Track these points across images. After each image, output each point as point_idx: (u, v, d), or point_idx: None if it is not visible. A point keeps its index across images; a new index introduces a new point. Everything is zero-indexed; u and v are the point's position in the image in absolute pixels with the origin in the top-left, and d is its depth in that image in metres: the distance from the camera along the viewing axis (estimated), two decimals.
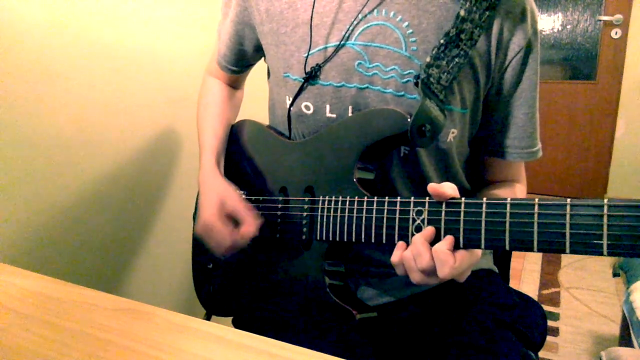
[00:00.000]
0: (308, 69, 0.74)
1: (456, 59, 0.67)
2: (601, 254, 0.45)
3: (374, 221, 0.63)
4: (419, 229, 0.59)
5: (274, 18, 0.78)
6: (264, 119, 0.90)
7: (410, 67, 0.70)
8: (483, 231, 0.54)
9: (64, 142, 0.93)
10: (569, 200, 0.48)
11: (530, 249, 0.50)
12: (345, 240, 0.67)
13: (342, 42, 0.72)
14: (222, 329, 0.52)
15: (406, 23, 0.70)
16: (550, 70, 3.46)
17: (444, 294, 0.77)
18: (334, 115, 0.74)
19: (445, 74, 0.67)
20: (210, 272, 0.91)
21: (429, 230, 0.58)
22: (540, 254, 2.67)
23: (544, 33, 3.41)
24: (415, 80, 0.68)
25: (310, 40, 0.74)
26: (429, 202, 0.58)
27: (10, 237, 0.86)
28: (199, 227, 0.79)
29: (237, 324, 0.89)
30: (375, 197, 0.64)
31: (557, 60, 3.44)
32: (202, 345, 0.49)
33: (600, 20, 3.25)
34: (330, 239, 0.69)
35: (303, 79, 0.74)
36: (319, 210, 0.70)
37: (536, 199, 0.50)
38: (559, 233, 0.48)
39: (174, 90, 1.20)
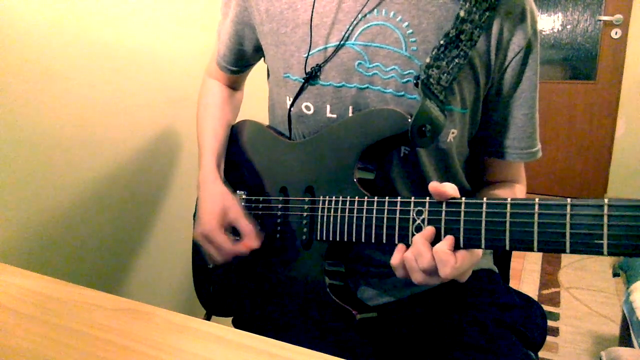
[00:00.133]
0: (308, 69, 0.74)
1: (456, 60, 0.67)
2: (601, 253, 0.45)
3: (374, 221, 0.63)
4: (419, 229, 0.59)
5: (274, 18, 0.78)
6: (264, 119, 0.90)
7: (410, 67, 0.70)
8: (483, 231, 0.54)
9: (64, 142, 0.93)
10: (569, 200, 0.48)
11: (530, 249, 0.50)
12: (346, 240, 0.67)
13: (342, 42, 0.72)
14: (222, 329, 0.52)
15: (406, 23, 0.70)
16: (550, 70, 3.46)
17: (444, 294, 0.77)
18: (335, 116, 0.74)
19: (445, 74, 0.67)
20: (210, 273, 0.91)
21: (429, 230, 0.58)
22: (540, 254, 2.67)
23: (544, 33, 3.41)
24: (415, 81, 0.68)
25: (310, 41, 0.74)
26: (429, 202, 0.58)
27: (10, 237, 0.86)
28: (197, 235, 0.79)
29: (237, 324, 0.89)
30: (376, 197, 0.64)
31: (557, 60, 3.44)
32: (202, 345, 0.49)
33: (600, 20, 3.25)
34: (331, 239, 0.69)
35: (303, 79, 0.74)
36: (319, 211, 0.71)
37: (536, 199, 0.50)
38: (559, 233, 0.48)
39: (174, 90, 1.20)
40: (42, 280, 0.63)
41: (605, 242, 0.45)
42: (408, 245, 0.60)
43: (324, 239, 0.70)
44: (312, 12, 0.74)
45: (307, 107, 0.76)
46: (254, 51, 0.89)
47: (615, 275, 1.55)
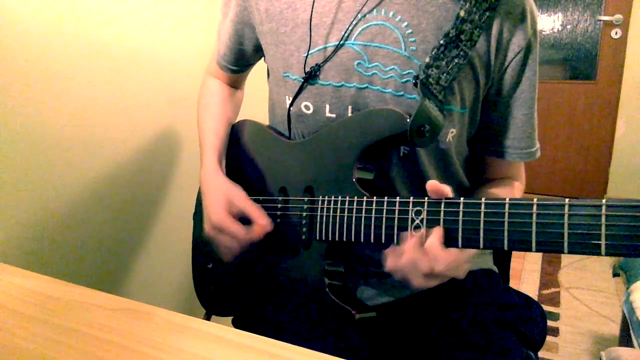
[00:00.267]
0: (308, 69, 0.74)
1: (456, 60, 0.67)
2: (599, 254, 0.45)
3: (373, 221, 0.63)
4: (417, 228, 0.59)
5: (273, 18, 0.78)
6: (264, 119, 0.90)
7: (410, 67, 0.70)
8: (482, 231, 0.54)
9: (64, 142, 0.93)
10: (567, 200, 0.48)
11: (529, 249, 0.50)
12: (345, 240, 0.67)
13: (342, 42, 0.72)
14: (222, 329, 0.52)
15: (405, 23, 0.70)
16: (550, 70, 3.46)
17: (444, 294, 0.77)
18: (334, 115, 0.74)
19: (445, 74, 0.67)
20: (210, 272, 0.91)
21: (417, 237, 0.58)
22: (540, 254, 2.67)
23: (544, 33, 3.41)
24: (414, 81, 0.68)
25: (310, 40, 0.74)
26: (427, 202, 0.58)
27: (10, 237, 0.86)
28: (208, 229, 0.78)
29: (237, 324, 0.89)
30: (375, 197, 0.64)
31: (557, 60, 3.43)
32: (202, 345, 0.49)
33: (600, 20, 3.25)
34: (330, 239, 0.69)
35: (303, 78, 0.74)
36: (319, 210, 0.71)
37: (535, 199, 0.50)
38: (558, 233, 0.48)
39: (174, 90, 1.20)
40: (42, 280, 0.63)
41: (603, 242, 0.45)
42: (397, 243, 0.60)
43: (324, 238, 0.70)
44: (312, 11, 0.74)
45: (307, 107, 0.76)
46: (254, 51, 0.89)
47: (615, 275, 1.55)
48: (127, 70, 1.06)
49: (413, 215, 0.59)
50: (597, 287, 2.30)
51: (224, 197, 0.77)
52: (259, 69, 0.98)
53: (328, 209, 0.69)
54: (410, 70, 0.70)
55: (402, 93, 0.70)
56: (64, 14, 0.91)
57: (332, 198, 0.69)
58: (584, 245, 0.46)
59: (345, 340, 0.73)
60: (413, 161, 0.74)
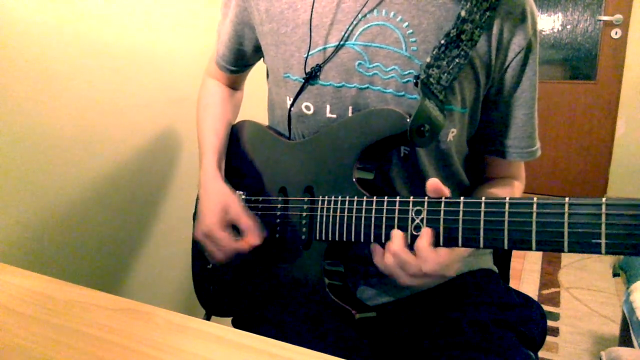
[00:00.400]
0: (308, 69, 0.74)
1: (456, 60, 0.67)
2: (599, 252, 0.45)
3: (373, 221, 0.63)
4: (417, 228, 0.59)
5: (273, 18, 0.78)
6: (263, 119, 0.90)
7: (411, 67, 0.70)
8: (482, 230, 0.54)
9: (64, 142, 0.93)
10: (567, 199, 0.48)
11: (529, 248, 0.50)
12: (345, 240, 0.67)
13: (342, 43, 0.72)
14: (222, 329, 0.52)
15: (406, 23, 0.70)
16: (550, 70, 3.46)
17: (444, 294, 0.77)
18: (334, 116, 0.74)
19: (446, 74, 0.67)
20: (210, 273, 0.91)
21: (401, 239, 0.59)
22: (540, 254, 2.67)
23: (544, 33, 3.41)
24: (415, 81, 0.68)
25: (310, 41, 0.74)
26: (427, 201, 0.58)
27: (10, 237, 0.86)
28: (199, 234, 0.79)
29: (237, 324, 0.89)
30: (375, 197, 0.64)
31: (557, 60, 3.44)
32: (202, 345, 0.49)
33: (600, 20, 3.25)
34: (330, 238, 0.69)
35: (303, 79, 0.74)
36: (319, 210, 0.71)
37: (535, 198, 0.50)
38: (558, 232, 0.48)
39: (174, 90, 1.20)
40: (42, 280, 0.63)
41: (603, 241, 0.45)
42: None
43: (324, 238, 0.70)
44: (312, 12, 0.74)
45: (307, 107, 0.76)
46: (254, 51, 0.89)
47: (615, 275, 1.55)
48: (127, 70, 1.06)
49: (413, 214, 0.59)
50: (597, 287, 2.30)
51: (220, 204, 0.77)
52: (259, 69, 0.98)
53: (328, 209, 0.69)
54: (411, 71, 0.70)
55: (403, 93, 0.70)
56: (64, 14, 0.91)
57: (332, 198, 0.69)
58: (584, 244, 0.46)
59: (345, 340, 0.73)
60: (413, 161, 0.74)
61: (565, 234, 0.48)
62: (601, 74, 3.31)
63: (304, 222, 0.73)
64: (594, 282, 2.36)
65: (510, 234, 0.51)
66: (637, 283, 1.31)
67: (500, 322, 0.71)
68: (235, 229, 0.77)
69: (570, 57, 3.39)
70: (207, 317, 0.94)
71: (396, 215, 0.61)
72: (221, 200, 0.78)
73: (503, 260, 0.94)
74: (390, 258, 0.60)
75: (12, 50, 0.83)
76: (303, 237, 0.73)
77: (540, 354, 0.81)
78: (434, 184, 0.57)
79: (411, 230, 0.59)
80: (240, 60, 0.92)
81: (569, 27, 3.36)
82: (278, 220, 0.78)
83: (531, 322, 0.75)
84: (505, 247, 0.52)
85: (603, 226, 0.45)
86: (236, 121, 0.94)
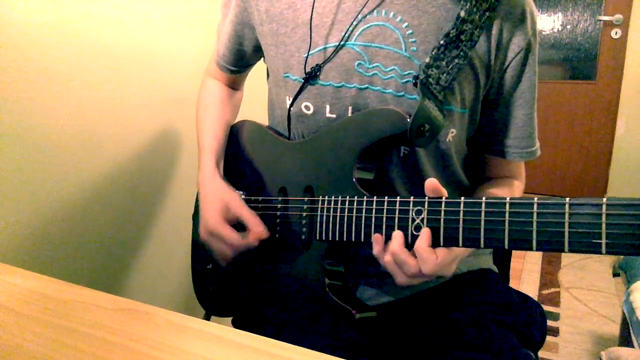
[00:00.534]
0: (308, 70, 0.74)
1: (456, 60, 0.67)
2: (600, 252, 0.45)
3: (373, 221, 0.63)
4: (418, 228, 0.59)
5: (273, 18, 0.78)
6: (263, 119, 0.90)
7: (410, 68, 0.70)
8: (482, 230, 0.54)
9: (64, 142, 0.93)
10: (567, 199, 0.48)
11: (530, 248, 0.50)
12: (345, 240, 0.67)
13: (342, 43, 0.72)
14: (222, 329, 0.52)
15: (406, 24, 0.70)
16: (550, 70, 3.46)
17: (444, 294, 0.77)
18: (334, 116, 0.74)
19: (445, 74, 0.67)
20: (210, 273, 0.91)
21: (400, 239, 0.59)
22: (540, 254, 2.67)
23: (544, 33, 3.41)
24: (414, 81, 0.68)
25: (310, 41, 0.74)
26: (428, 201, 0.58)
27: (10, 237, 0.86)
28: (203, 234, 0.78)
29: (237, 324, 0.89)
30: (375, 197, 0.64)
31: (557, 60, 3.44)
32: (202, 345, 0.49)
33: (600, 20, 3.25)
34: (330, 238, 0.69)
35: (303, 79, 0.74)
36: (319, 210, 0.71)
37: (535, 198, 0.50)
38: (558, 232, 0.48)
39: (174, 90, 1.20)
40: (42, 280, 0.63)
41: (603, 241, 0.45)
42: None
43: (324, 238, 0.70)
44: (312, 12, 0.74)
45: (307, 107, 0.76)
46: (254, 51, 0.89)
47: (615, 275, 1.56)
48: (127, 70, 1.06)
49: (414, 214, 0.59)
50: (597, 287, 2.30)
51: (221, 202, 0.77)
52: (259, 69, 0.98)
53: (328, 209, 0.69)
54: (411, 71, 0.70)
55: (402, 93, 0.70)
56: (64, 14, 0.91)
57: (332, 198, 0.69)
58: (585, 244, 0.47)
59: (345, 340, 0.73)
60: (413, 161, 0.74)
61: (566, 233, 0.48)
62: (601, 74, 3.31)
63: (304, 222, 0.73)
64: (594, 282, 2.36)
65: (511, 234, 0.52)
66: (637, 283, 1.31)
67: (500, 322, 0.71)
68: (239, 227, 0.77)
69: (570, 57, 3.39)
70: (207, 317, 0.94)
71: (396, 215, 0.61)
72: (222, 198, 0.78)
73: (503, 260, 0.94)
74: (390, 257, 0.60)
75: (12, 50, 0.83)
76: (303, 237, 0.73)
77: (540, 354, 0.81)
78: (432, 183, 0.58)
79: (412, 230, 0.60)
80: (240, 60, 0.92)
81: (569, 27, 3.36)
82: (278, 221, 0.78)
83: (531, 322, 0.75)
84: (506, 247, 0.52)
85: (603, 226, 0.45)
86: (236, 121, 0.94)
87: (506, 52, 0.72)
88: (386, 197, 0.62)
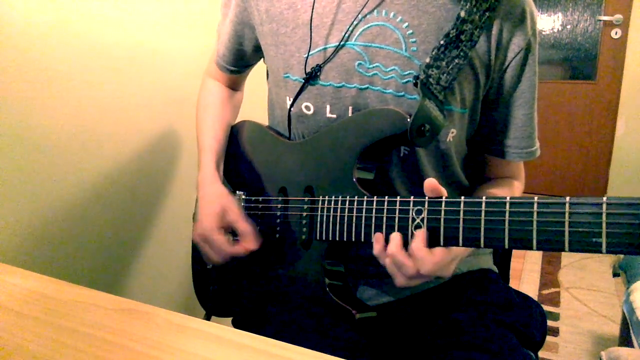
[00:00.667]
0: (308, 70, 0.74)
1: (456, 60, 0.67)
2: (600, 252, 0.45)
3: (373, 221, 0.63)
4: (418, 228, 0.59)
5: (274, 18, 0.78)
6: (263, 119, 0.90)
7: (410, 68, 0.70)
8: (482, 230, 0.54)
9: (64, 142, 0.93)
10: (568, 198, 0.48)
11: (530, 248, 0.50)
12: (345, 239, 0.67)
13: (342, 43, 0.72)
14: (222, 329, 0.52)
15: (406, 24, 0.70)
16: (550, 70, 3.46)
17: (444, 294, 0.77)
18: (334, 116, 0.74)
19: (445, 74, 0.67)
20: (210, 273, 0.91)
21: (398, 240, 0.59)
22: (540, 254, 2.67)
23: (544, 33, 3.41)
24: (414, 81, 0.68)
25: (310, 41, 0.74)
26: (428, 201, 0.58)
27: (10, 237, 0.86)
28: (196, 236, 0.79)
29: (237, 324, 0.89)
30: (375, 197, 0.64)
31: (557, 60, 3.44)
32: (202, 345, 0.49)
33: (600, 20, 3.25)
34: (330, 238, 0.69)
35: (303, 79, 0.74)
36: (319, 210, 0.71)
37: (535, 198, 0.50)
38: (558, 231, 0.48)
39: (174, 90, 1.20)
40: (42, 280, 0.63)
41: (604, 240, 0.45)
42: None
43: (324, 238, 0.70)
44: (312, 12, 0.74)
45: (307, 107, 0.76)
46: (254, 51, 0.89)
47: (615, 275, 1.56)
48: (127, 70, 1.06)
49: (414, 214, 0.59)
50: (597, 287, 2.30)
51: (218, 206, 0.77)
52: (259, 69, 0.98)
53: (328, 209, 0.69)
54: (411, 71, 0.70)
55: (402, 93, 0.70)
56: (64, 14, 0.91)
57: (332, 198, 0.69)
58: (585, 243, 0.47)
59: (345, 340, 0.73)
60: (413, 161, 0.74)
61: (566, 233, 0.48)
62: (601, 74, 3.31)
63: (304, 222, 0.73)
64: (594, 282, 2.36)
65: (511, 233, 0.51)
66: (637, 283, 1.31)
67: (500, 322, 0.71)
68: (234, 232, 0.78)
69: (570, 57, 3.39)
70: (207, 317, 0.94)
71: (397, 215, 0.61)
72: (219, 203, 0.78)
73: (503, 260, 0.94)
74: (388, 259, 0.60)
75: (12, 50, 0.83)
76: (303, 237, 0.73)
77: (540, 354, 0.81)
78: (431, 183, 0.58)
79: (412, 230, 0.60)
80: (240, 60, 0.92)
81: (569, 27, 3.36)
82: (278, 221, 0.78)
83: (531, 322, 0.75)
84: (506, 246, 0.52)
85: (604, 225, 0.45)
86: (236, 121, 0.94)
87: (506, 52, 0.72)
88: (386, 197, 0.62)
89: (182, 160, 1.26)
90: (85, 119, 0.97)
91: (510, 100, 0.76)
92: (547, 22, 3.40)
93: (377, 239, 0.62)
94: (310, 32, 0.74)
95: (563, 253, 2.68)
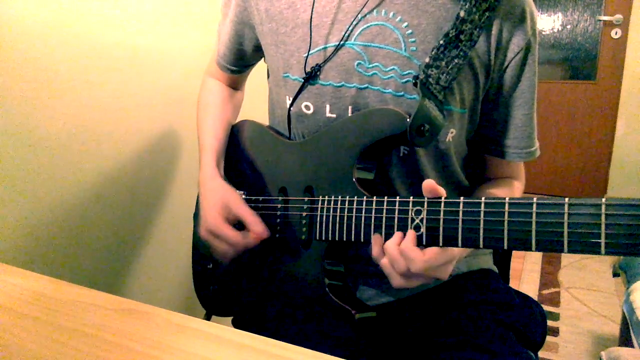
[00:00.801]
0: (308, 69, 0.74)
1: (455, 60, 0.67)
2: (599, 253, 0.45)
3: (373, 221, 0.63)
4: (417, 228, 0.59)
5: (273, 18, 0.78)
6: (263, 119, 0.90)
7: (410, 68, 0.70)
8: (481, 230, 0.54)
9: (64, 142, 0.93)
10: (566, 199, 0.48)
11: (529, 249, 0.50)
12: (345, 239, 0.67)
13: (342, 42, 0.72)
14: (222, 329, 0.52)
15: (406, 23, 0.70)
16: (550, 70, 3.46)
17: (444, 294, 0.77)
18: (334, 115, 0.74)
19: (445, 74, 0.67)
20: (210, 273, 0.91)
21: (396, 237, 0.59)
22: (540, 254, 2.67)
23: (544, 33, 3.41)
24: (414, 81, 0.68)
25: (310, 41, 0.74)
26: (427, 201, 0.58)
27: (10, 237, 0.86)
28: (203, 233, 0.78)
29: (237, 324, 0.89)
30: (374, 197, 0.64)
31: (557, 60, 3.44)
32: (202, 345, 0.49)
33: (600, 20, 3.25)
34: (330, 238, 0.69)
35: (303, 79, 0.74)
36: (319, 210, 0.71)
37: (534, 198, 0.50)
38: (558, 232, 0.48)
39: (174, 90, 1.20)
40: (42, 280, 0.63)
41: (603, 241, 0.45)
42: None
43: (324, 238, 0.70)
44: (312, 12, 0.74)
45: (307, 107, 0.76)
46: (254, 51, 0.89)
47: (615, 275, 1.55)
48: (127, 70, 1.06)
49: (413, 214, 0.59)
50: (597, 287, 2.30)
51: (221, 201, 0.77)
52: (259, 69, 0.98)
53: (328, 209, 0.69)
54: (411, 71, 0.70)
55: (402, 93, 0.70)
56: (64, 14, 0.91)
57: (332, 198, 0.69)
58: (584, 245, 0.47)
59: (345, 340, 0.73)
60: (412, 161, 0.74)
61: (565, 234, 0.48)
62: (601, 74, 3.31)
63: (304, 222, 0.73)
64: (594, 282, 2.36)
65: (510, 234, 0.51)
66: (637, 283, 1.31)
67: (500, 322, 0.71)
68: (239, 226, 0.77)
69: (570, 57, 3.40)
70: (207, 317, 0.94)
71: (396, 215, 0.61)
72: (222, 197, 0.78)
73: (503, 260, 0.94)
74: (386, 260, 0.60)
75: (12, 50, 0.83)
76: (303, 237, 0.73)
77: (540, 354, 0.81)
78: (429, 184, 0.57)
79: (411, 230, 0.59)
80: (240, 60, 0.92)
81: (569, 27, 3.36)
82: (278, 220, 0.78)
83: (531, 322, 0.75)
84: (505, 247, 0.52)
85: (603, 226, 0.45)
86: (236, 121, 0.94)
87: (506, 52, 0.72)
88: (386, 197, 0.63)
89: (182, 160, 1.26)
90: (85, 119, 0.97)
91: (510, 100, 0.76)
92: (547, 22, 3.40)
93: (376, 240, 0.62)
94: (310, 31, 0.74)
95: (563, 253, 2.68)
